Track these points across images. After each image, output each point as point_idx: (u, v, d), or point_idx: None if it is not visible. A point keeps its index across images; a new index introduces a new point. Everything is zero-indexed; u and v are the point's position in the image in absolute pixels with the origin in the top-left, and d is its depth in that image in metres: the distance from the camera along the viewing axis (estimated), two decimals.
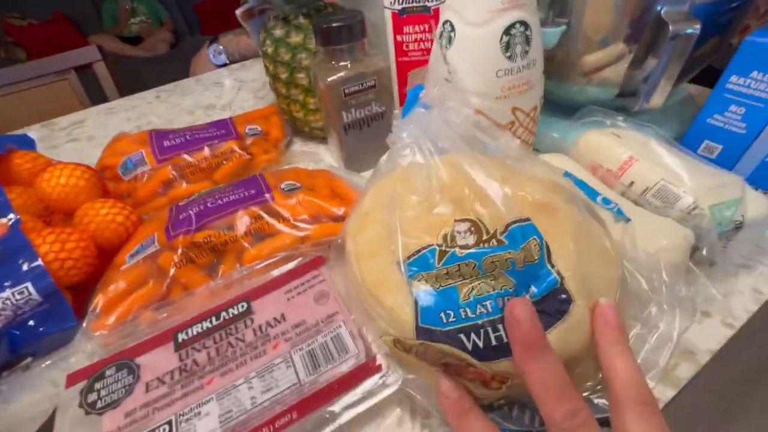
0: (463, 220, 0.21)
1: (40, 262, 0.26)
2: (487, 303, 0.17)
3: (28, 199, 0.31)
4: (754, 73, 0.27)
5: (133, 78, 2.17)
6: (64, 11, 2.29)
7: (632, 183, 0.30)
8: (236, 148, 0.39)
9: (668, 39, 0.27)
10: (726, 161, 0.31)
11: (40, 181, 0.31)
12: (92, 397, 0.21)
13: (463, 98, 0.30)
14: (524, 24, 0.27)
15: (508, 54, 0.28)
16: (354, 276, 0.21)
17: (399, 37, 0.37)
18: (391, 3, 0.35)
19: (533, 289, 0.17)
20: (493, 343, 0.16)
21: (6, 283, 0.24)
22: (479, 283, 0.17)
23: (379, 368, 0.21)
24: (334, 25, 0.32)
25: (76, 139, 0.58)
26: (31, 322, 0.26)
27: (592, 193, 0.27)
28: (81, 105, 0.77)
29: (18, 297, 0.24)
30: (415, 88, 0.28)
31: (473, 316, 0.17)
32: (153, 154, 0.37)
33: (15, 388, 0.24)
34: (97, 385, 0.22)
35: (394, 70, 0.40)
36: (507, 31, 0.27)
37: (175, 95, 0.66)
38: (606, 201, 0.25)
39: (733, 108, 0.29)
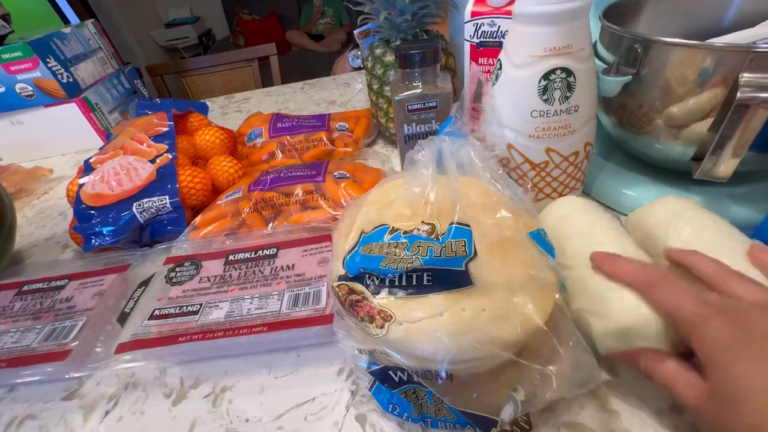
0: (428, 224, 0.25)
1: (177, 186, 0.39)
2: (395, 276, 0.21)
3: (188, 145, 0.47)
4: None
5: (308, 67, 2.63)
6: (276, 10, 2.89)
7: None
8: (324, 139, 0.49)
9: (734, 105, 0.24)
10: None
11: (197, 135, 0.46)
12: (172, 275, 0.33)
13: (498, 131, 0.33)
14: (567, 71, 0.28)
15: (545, 97, 0.29)
16: (334, 247, 0.27)
17: (474, 65, 0.41)
18: (470, 36, 0.39)
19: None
20: (377, 282, 0.22)
21: (157, 193, 0.39)
22: (400, 262, 0.22)
23: (330, 319, 0.26)
24: (410, 52, 0.38)
25: (240, 111, 0.78)
26: (165, 221, 0.40)
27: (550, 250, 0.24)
28: (255, 85, 1.02)
29: (159, 204, 0.38)
30: (448, 118, 0.32)
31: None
32: (268, 132, 0.50)
33: (145, 258, 0.38)
34: (177, 269, 0.34)
35: (467, 93, 0.44)
36: (546, 75, 0.29)
37: (313, 89, 0.82)
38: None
39: None
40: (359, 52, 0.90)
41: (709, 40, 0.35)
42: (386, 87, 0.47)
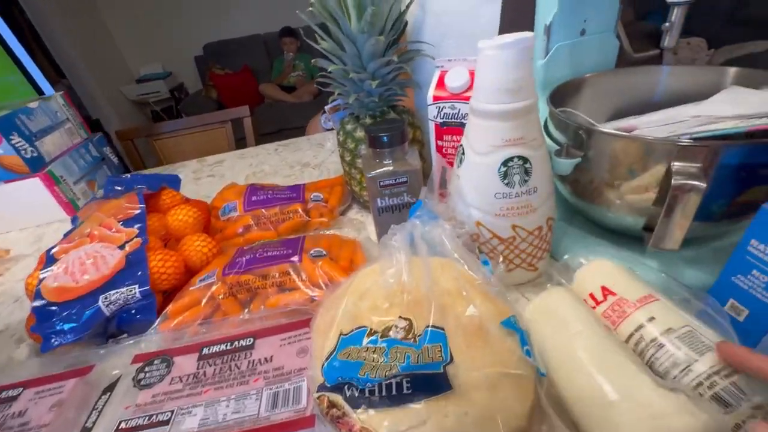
0: (405, 319, 0.25)
1: (147, 273, 0.38)
2: (374, 385, 0.21)
3: (159, 225, 0.46)
4: None
5: (281, 117, 2.69)
6: (249, 64, 2.99)
7: (652, 318, 0.27)
8: (299, 210, 0.50)
9: (670, 191, 0.27)
10: (754, 329, 0.27)
11: (169, 215, 0.46)
12: (141, 376, 0.31)
13: (465, 210, 0.35)
14: (523, 158, 0.31)
15: (506, 181, 0.32)
16: (313, 344, 0.27)
17: (439, 142, 0.44)
18: (434, 117, 0.42)
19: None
20: (357, 394, 0.21)
21: (126, 282, 0.38)
22: (378, 369, 0.22)
23: (312, 422, 0.25)
24: (378, 135, 0.40)
25: (213, 175, 0.78)
26: (133, 311, 0.38)
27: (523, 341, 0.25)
28: (228, 147, 1.03)
29: (128, 294, 0.37)
30: (417, 203, 0.34)
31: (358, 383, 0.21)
32: (242, 205, 0.50)
33: (111, 354, 0.36)
34: (146, 369, 0.32)
35: (435, 165, 0.46)
36: (505, 162, 0.31)
37: (287, 150, 0.84)
38: (528, 353, 0.24)
39: (756, 273, 0.26)
40: (330, 115, 0.94)
41: (643, 119, 0.39)
42: (358, 159, 0.49)
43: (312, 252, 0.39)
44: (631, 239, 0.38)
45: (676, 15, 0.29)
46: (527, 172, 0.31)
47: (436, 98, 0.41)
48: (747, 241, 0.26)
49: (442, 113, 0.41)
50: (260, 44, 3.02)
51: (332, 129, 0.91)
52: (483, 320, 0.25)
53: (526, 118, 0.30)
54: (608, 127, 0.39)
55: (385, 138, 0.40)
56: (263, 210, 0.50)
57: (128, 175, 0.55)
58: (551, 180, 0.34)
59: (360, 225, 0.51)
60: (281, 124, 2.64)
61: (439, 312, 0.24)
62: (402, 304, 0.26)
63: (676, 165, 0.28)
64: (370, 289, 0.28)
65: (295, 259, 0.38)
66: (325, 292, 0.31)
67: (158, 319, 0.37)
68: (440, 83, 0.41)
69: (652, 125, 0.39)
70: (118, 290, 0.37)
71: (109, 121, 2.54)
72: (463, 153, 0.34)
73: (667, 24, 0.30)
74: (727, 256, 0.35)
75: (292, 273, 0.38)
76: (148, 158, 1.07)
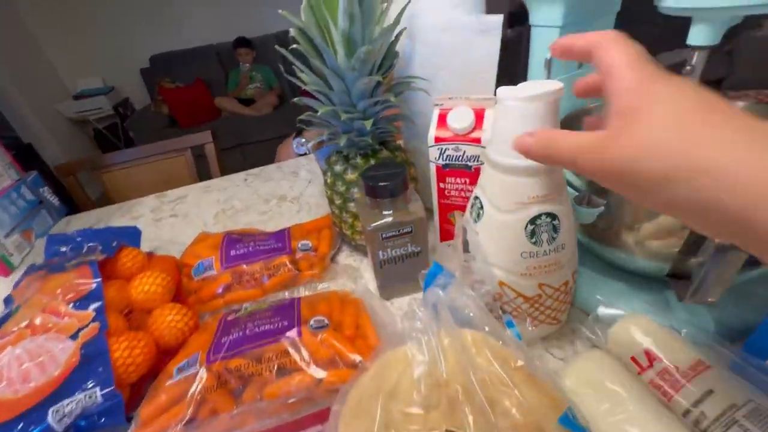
0: None
1: (110, 368, 0.31)
2: None
3: (120, 297, 0.39)
4: None
5: (242, 132, 2.56)
6: (202, 77, 2.83)
7: (711, 392, 0.25)
8: (287, 263, 0.44)
9: (715, 247, 0.25)
10: None
11: (131, 287, 0.38)
12: None
13: (485, 267, 0.31)
14: (551, 215, 0.28)
15: (534, 240, 0.29)
16: None
17: (441, 185, 0.40)
18: (435, 158, 0.39)
19: None
20: None
21: (84, 385, 0.30)
22: None
23: None
24: (379, 184, 0.36)
25: (176, 215, 0.70)
26: (95, 416, 0.31)
27: None
28: (190, 177, 0.94)
29: (87, 401, 0.30)
30: (434, 267, 0.30)
31: None
32: (220, 261, 0.44)
33: None
34: None
35: (436, 209, 0.43)
36: (533, 221, 0.28)
37: (258, 180, 0.77)
38: None
39: None
40: (304, 140, 0.89)
41: None
42: (350, 203, 0.44)
43: (312, 323, 0.34)
44: (649, 280, 0.37)
45: (697, 59, 0.28)
46: (555, 229, 0.29)
47: (438, 139, 0.37)
48: None
49: (444, 155, 0.38)
50: (213, 55, 2.87)
51: (306, 154, 0.86)
52: (539, 419, 0.22)
53: (554, 173, 0.27)
54: None
55: (388, 187, 0.36)
56: (245, 265, 0.44)
57: (75, 233, 0.46)
58: (575, 232, 0.31)
59: (355, 272, 0.47)
60: (242, 139, 2.51)
61: (490, 415, 0.21)
62: (441, 406, 0.22)
63: None
64: (400, 383, 0.24)
65: (293, 333, 0.33)
66: (338, 395, 0.26)
67: (130, 428, 0.30)
68: (441, 123, 0.37)
69: None
70: (73, 398, 0.30)
71: (43, 145, 2.29)
72: (481, 207, 0.31)
73: (688, 68, 0.29)
74: (745, 297, 0.34)
75: (291, 352, 0.32)
76: (95, 194, 0.94)
